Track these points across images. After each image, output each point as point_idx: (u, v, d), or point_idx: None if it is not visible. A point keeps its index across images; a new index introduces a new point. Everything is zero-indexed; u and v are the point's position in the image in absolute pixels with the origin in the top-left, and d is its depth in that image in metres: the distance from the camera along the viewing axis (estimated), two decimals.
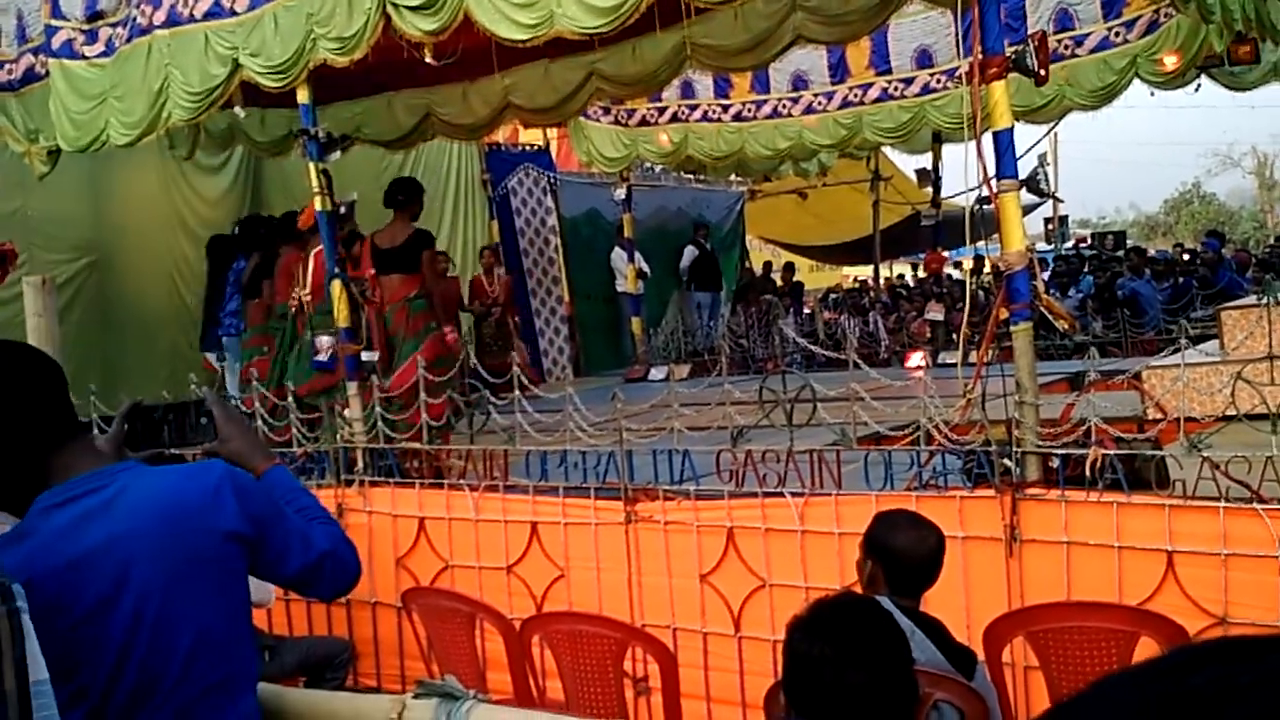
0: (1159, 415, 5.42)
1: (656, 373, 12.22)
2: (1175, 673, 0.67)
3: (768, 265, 20.02)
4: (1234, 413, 4.49)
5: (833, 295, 20.56)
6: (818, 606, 2.36)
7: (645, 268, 14.15)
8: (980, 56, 4.81)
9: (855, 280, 24.86)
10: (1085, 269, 18.09)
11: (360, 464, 6.64)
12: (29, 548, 2.12)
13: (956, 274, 18.47)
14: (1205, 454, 4.22)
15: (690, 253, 15.81)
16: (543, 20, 5.54)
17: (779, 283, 19.35)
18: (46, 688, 1.90)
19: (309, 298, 7.92)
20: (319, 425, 7.23)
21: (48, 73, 7.49)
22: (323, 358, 7.59)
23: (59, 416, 2.21)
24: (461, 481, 6.19)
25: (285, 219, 8.78)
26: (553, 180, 15.17)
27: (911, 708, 2.32)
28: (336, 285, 6.95)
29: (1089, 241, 23.74)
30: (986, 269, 12.49)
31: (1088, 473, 4.43)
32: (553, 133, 14.75)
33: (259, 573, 2.32)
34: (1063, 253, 22.07)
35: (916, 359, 10.79)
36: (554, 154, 15.49)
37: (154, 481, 2.21)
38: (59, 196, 10.14)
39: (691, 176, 16.70)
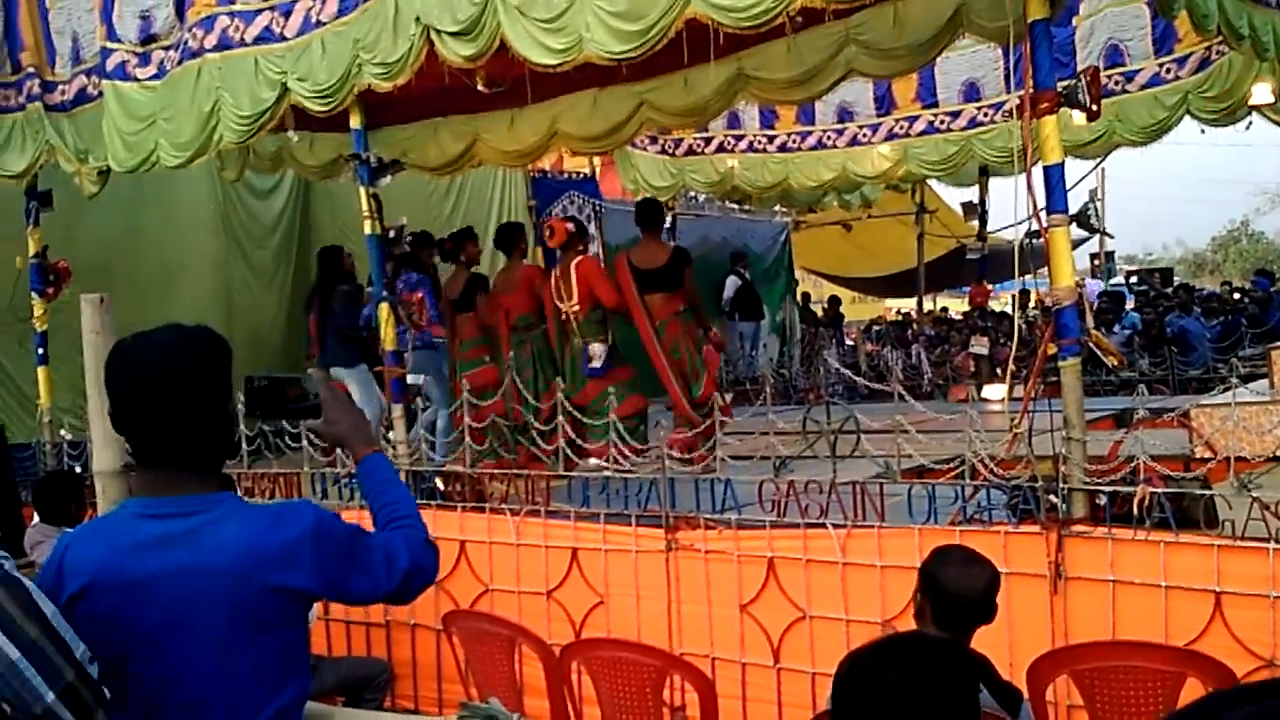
0: (1207, 454, 5.36)
1: None
2: (1211, 710, 0.69)
3: (806, 296, 19.96)
4: None
5: (876, 327, 20.47)
6: (887, 640, 2.30)
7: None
8: (1031, 90, 4.79)
9: (898, 313, 24.75)
10: (1131, 305, 17.93)
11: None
12: (101, 552, 2.19)
13: (1000, 307, 18.35)
14: (1255, 494, 4.17)
15: (732, 283, 15.81)
16: (572, 45, 5.59)
17: (820, 314, 19.31)
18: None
19: (576, 309, 8.13)
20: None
21: (100, 94, 7.60)
22: (596, 364, 7.98)
23: (164, 437, 2.24)
24: (503, 505, 6.20)
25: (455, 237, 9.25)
26: (598, 207, 15.22)
27: None
28: (384, 309, 6.99)
29: (1137, 278, 23.54)
30: (1032, 303, 12.42)
31: (1135, 511, 4.39)
32: (598, 160, 14.81)
33: (346, 603, 2.35)
34: (1108, 288, 21.90)
35: (993, 391, 10.69)
36: (598, 181, 15.55)
37: (241, 521, 2.23)
38: (112, 218, 10.24)
39: (736, 206, 16.72)
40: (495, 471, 6.73)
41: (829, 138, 12.12)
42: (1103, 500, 4.55)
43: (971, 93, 11.23)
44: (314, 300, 9.51)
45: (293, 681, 2.30)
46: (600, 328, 8.17)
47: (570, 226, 8.50)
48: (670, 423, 8.06)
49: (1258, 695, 0.68)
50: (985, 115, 11.27)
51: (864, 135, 12.00)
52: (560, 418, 6.15)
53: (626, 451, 6.00)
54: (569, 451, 6.20)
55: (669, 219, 13.34)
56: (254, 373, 2.52)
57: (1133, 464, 4.47)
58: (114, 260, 10.30)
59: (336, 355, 9.09)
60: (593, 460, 6.15)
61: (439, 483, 6.73)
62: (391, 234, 7.18)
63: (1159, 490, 4.39)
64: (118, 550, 2.19)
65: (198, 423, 2.24)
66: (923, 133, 11.69)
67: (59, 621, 2.06)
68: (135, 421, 2.22)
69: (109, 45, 7.46)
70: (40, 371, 8.97)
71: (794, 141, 12.24)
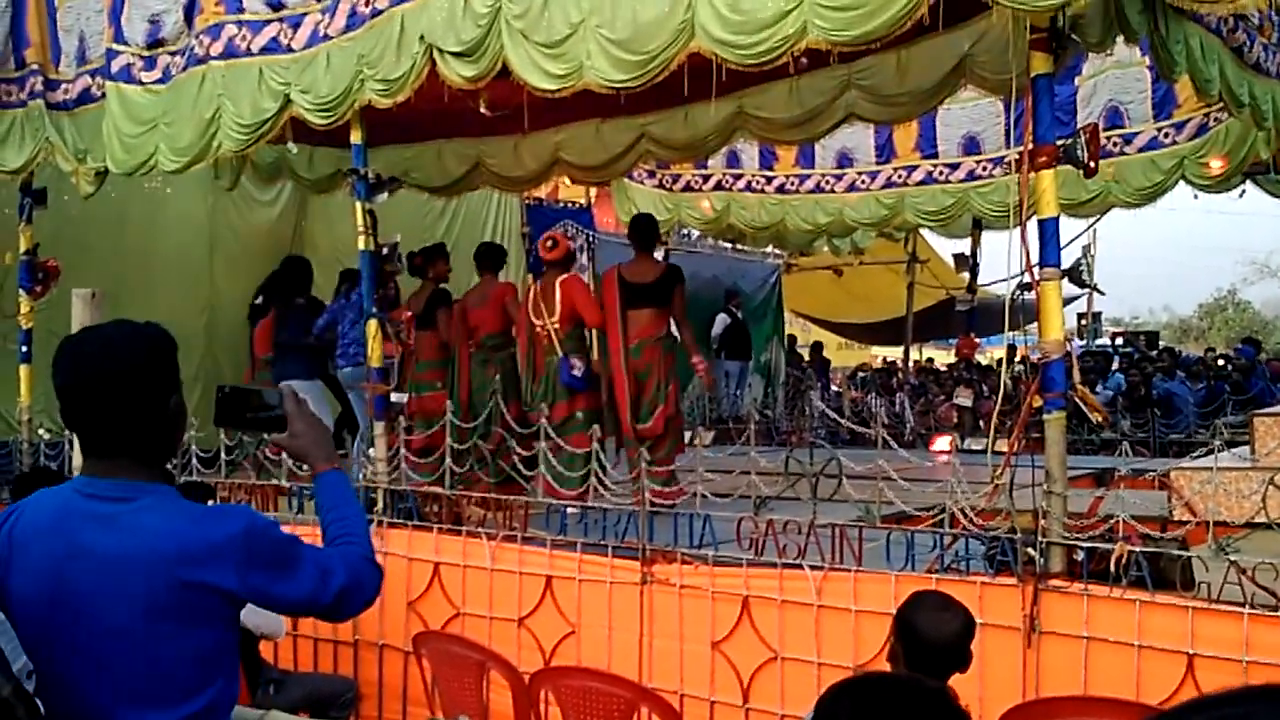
0: (1186, 515, 5.37)
1: None
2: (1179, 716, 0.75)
3: (793, 339, 20.02)
4: (1263, 519, 4.44)
5: (861, 374, 20.52)
6: (879, 677, 2.25)
7: (675, 332, 14.16)
8: (1031, 145, 4.82)
9: (884, 361, 24.82)
10: (1116, 366, 18.01)
11: (380, 504, 6.63)
12: (44, 521, 2.24)
13: (986, 361, 18.42)
14: (1233, 558, 4.17)
15: (722, 321, 15.83)
16: (572, 71, 5.61)
17: (804, 357, 19.36)
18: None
19: (556, 326, 8.06)
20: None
21: (103, 95, 7.61)
22: (577, 373, 7.93)
23: (111, 427, 2.28)
24: (480, 530, 6.18)
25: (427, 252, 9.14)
26: (591, 238, 15.25)
27: None
28: (372, 325, 6.99)
29: (1123, 339, 23.67)
30: (1018, 357, 12.44)
31: (1112, 568, 4.39)
32: (593, 190, 14.85)
33: (274, 610, 2.34)
34: (1093, 348, 21.99)
35: (942, 443, 10.74)
36: (593, 211, 15.59)
37: (170, 515, 2.25)
38: (102, 220, 10.21)
39: (729, 245, 16.76)
40: (475, 495, 6.70)
41: (827, 182, 12.17)
42: (1080, 556, 4.55)
43: (971, 146, 11.31)
44: (263, 310, 9.56)
45: (211, 686, 2.26)
46: (580, 344, 8.14)
47: (572, 245, 8.55)
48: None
49: (1220, 703, 0.73)
50: (984, 169, 11.34)
51: (862, 181, 12.05)
52: (526, 441, 6.16)
53: (607, 483, 5.99)
54: (519, 472, 6.19)
55: (660, 253, 13.34)
56: (223, 382, 2.54)
57: (1111, 521, 4.47)
58: (100, 261, 10.24)
59: (291, 368, 9.08)
60: (570, 509, 6.15)
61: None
62: (385, 251, 7.17)
63: (1137, 549, 4.39)
64: (55, 520, 2.24)
65: (140, 417, 2.28)
66: (921, 182, 11.76)
67: (2, 633, 2.05)
68: (81, 413, 2.28)
69: (115, 47, 7.48)
70: (22, 370, 8.92)
71: (792, 184, 12.29)
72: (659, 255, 9.68)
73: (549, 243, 8.35)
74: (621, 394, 7.98)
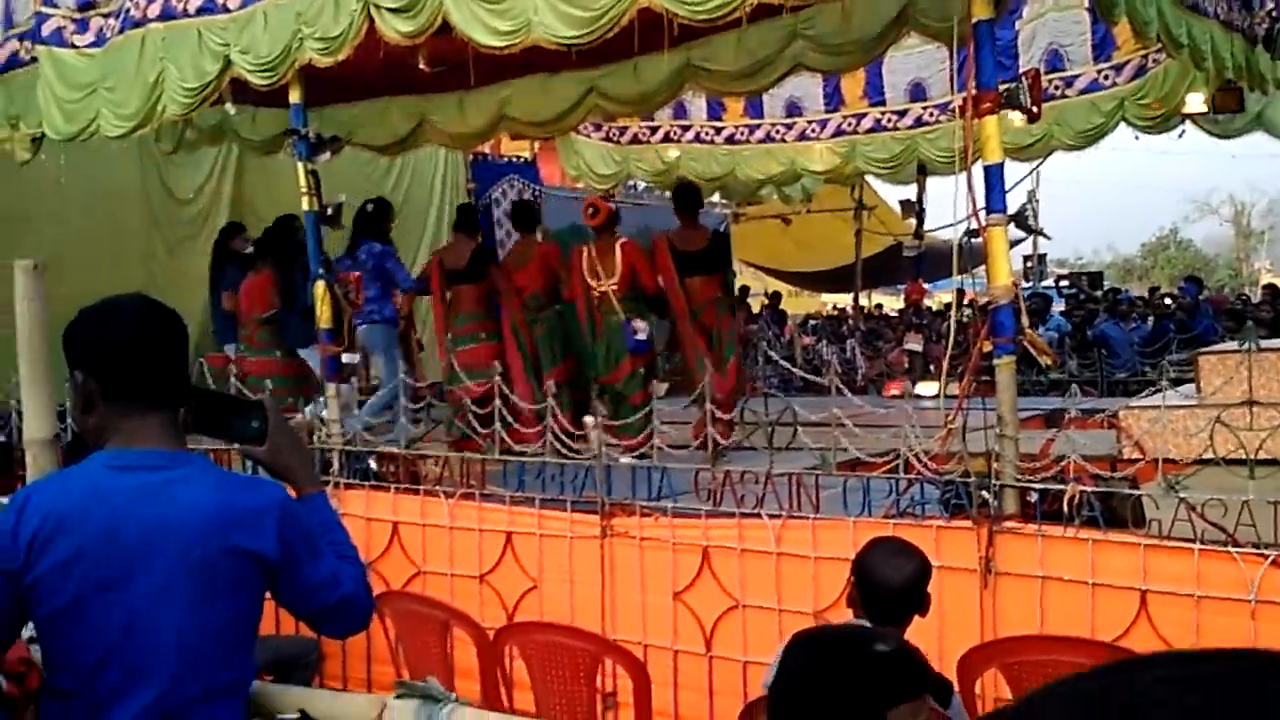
0: (1136, 454, 5.46)
1: None
2: (1127, 671, 0.76)
3: (745, 290, 20.05)
4: (1211, 456, 4.53)
5: (811, 322, 20.61)
6: (817, 629, 2.29)
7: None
8: (974, 91, 4.85)
9: (834, 308, 24.93)
10: (1060, 308, 18.17)
11: (336, 465, 6.62)
12: (68, 500, 2.18)
13: (935, 306, 18.55)
14: (1182, 495, 4.25)
15: None
16: (519, 28, 5.56)
17: (759, 307, 19.40)
18: None
19: (615, 288, 8.17)
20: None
21: (33, 59, 7.47)
22: (641, 337, 8.08)
23: (160, 380, 2.28)
24: (438, 488, 6.18)
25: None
26: (537, 193, 15.15)
27: None
28: (320, 286, 6.93)
29: (1068, 281, 23.88)
30: (966, 301, 12.54)
31: (1065, 509, 4.46)
32: (536, 145, 14.75)
33: (279, 601, 2.34)
34: (1037, 290, 22.19)
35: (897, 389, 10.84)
36: (538, 166, 15.48)
37: (213, 484, 2.25)
38: (29, 187, 9.96)
39: None
40: (427, 454, 6.70)
41: (777, 131, 12.12)
42: (1034, 498, 4.63)
43: (917, 92, 11.31)
44: (248, 265, 9.27)
45: (238, 661, 2.29)
46: (639, 306, 8.33)
47: (613, 208, 8.67)
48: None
49: (1168, 662, 0.75)
50: (930, 115, 11.35)
51: (812, 130, 12.01)
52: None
53: (563, 438, 6.00)
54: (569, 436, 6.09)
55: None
56: (198, 384, 2.49)
57: (1063, 463, 4.54)
58: (37, 232, 10.05)
59: (303, 334, 8.67)
60: (624, 459, 6.16)
61: (372, 463, 6.69)
62: (330, 211, 7.11)
63: (1089, 489, 4.46)
64: (84, 497, 2.19)
65: (181, 376, 2.34)
66: (870, 130, 11.74)
67: None
68: (136, 369, 2.25)
69: (44, 10, 7.34)
70: None
71: (742, 134, 12.24)
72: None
73: (590, 209, 8.48)
74: (692, 354, 8.27)
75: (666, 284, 8.33)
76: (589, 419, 6.59)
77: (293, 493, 2.42)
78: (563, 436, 5.89)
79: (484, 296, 8.74)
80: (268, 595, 2.33)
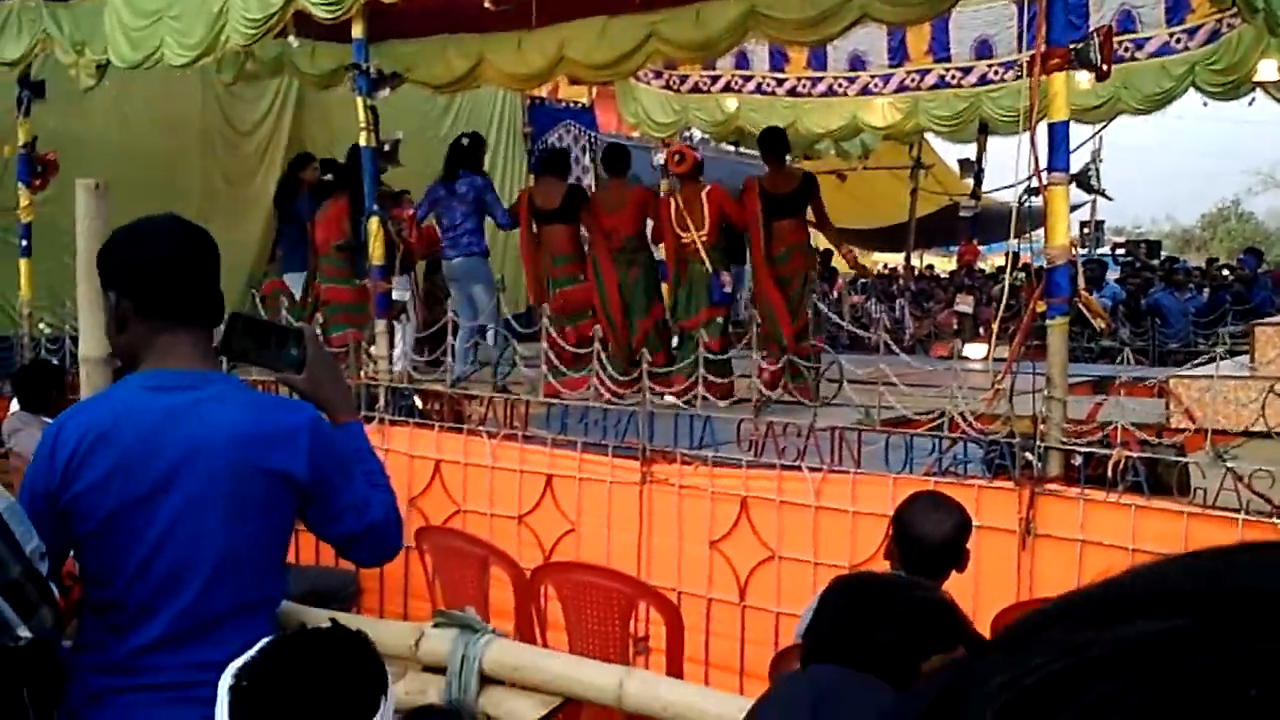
0: (1185, 423, 5.40)
1: None
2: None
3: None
4: (1262, 427, 4.47)
5: (861, 280, 20.47)
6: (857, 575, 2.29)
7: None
8: (1043, 47, 4.77)
9: (884, 267, 24.73)
10: (1115, 276, 17.95)
11: (382, 402, 6.67)
12: (105, 418, 2.22)
13: (988, 269, 18.37)
14: (1230, 465, 4.20)
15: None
16: None
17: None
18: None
19: (705, 239, 8.19)
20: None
21: None
22: (727, 290, 8.26)
23: (195, 298, 2.30)
24: (481, 428, 6.21)
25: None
26: (593, 139, 15.10)
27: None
28: (374, 223, 6.96)
29: (1125, 249, 23.57)
30: (1020, 264, 12.41)
31: (1109, 474, 4.42)
32: (594, 90, 14.66)
33: (307, 524, 2.36)
34: (1094, 257, 21.90)
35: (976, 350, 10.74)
36: (595, 113, 15.40)
37: (244, 403, 2.28)
38: (91, 114, 10.05)
39: (732, 149, 16.59)
40: (473, 394, 6.73)
41: (840, 85, 11.97)
42: (1078, 461, 4.59)
43: (983, 49, 11.12)
44: (324, 193, 9.15)
45: (269, 578, 2.32)
46: (725, 257, 8.39)
47: (699, 155, 8.63)
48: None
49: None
50: (996, 73, 11.18)
51: (875, 85, 11.86)
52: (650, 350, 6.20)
53: (609, 384, 6.01)
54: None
55: (663, 155, 13.21)
56: (240, 310, 2.50)
57: (1109, 428, 4.50)
58: (95, 157, 10.10)
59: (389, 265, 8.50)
60: (668, 397, 6.14)
61: (418, 401, 6.73)
62: (387, 147, 7.12)
63: (1134, 455, 4.42)
64: (120, 415, 2.22)
65: (217, 293, 2.35)
66: (933, 87, 11.58)
67: (12, 515, 2.07)
68: (178, 286, 2.28)
69: None
70: (22, 264, 8.90)
71: (804, 86, 12.09)
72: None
73: (676, 157, 8.46)
74: (776, 299, 8.22)
75: (751, 229, 8.29)
76: None
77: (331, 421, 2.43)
78: (607, 382, 5.90)
79: (575, 237, 8.70)
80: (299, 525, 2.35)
